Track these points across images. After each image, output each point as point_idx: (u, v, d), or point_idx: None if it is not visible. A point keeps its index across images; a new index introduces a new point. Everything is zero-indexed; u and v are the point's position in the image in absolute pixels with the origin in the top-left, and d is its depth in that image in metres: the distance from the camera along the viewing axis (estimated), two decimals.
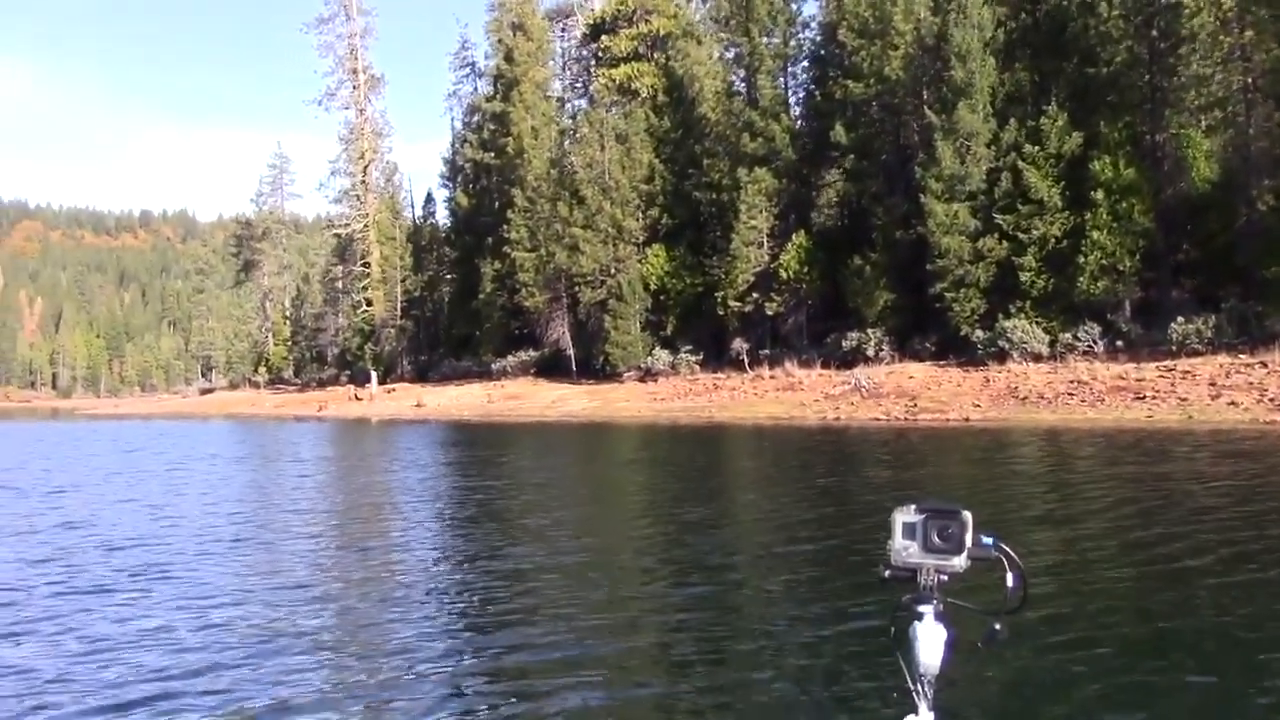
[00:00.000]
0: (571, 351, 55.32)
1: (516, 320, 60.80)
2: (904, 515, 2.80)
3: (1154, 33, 37.84)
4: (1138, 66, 38.47)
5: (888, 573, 2.81)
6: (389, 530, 15.79)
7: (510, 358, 59.43)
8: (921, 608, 2.77)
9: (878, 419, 34.15)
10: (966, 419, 31.97)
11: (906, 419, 33.42)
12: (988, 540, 2.76)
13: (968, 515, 2.73)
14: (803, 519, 14.71)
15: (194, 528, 15.59)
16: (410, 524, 16.31)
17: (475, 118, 76.31)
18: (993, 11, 40.86)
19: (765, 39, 49.78)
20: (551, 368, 57.32)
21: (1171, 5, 36.72)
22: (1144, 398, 30.33)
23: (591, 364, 53.81)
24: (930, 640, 2.75)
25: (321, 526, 16.18)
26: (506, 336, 61.72)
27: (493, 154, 67.02)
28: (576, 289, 53.92)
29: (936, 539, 2.76)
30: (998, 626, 2.77)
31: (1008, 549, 2.75)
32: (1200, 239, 37.97)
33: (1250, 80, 35.15)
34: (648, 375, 50.36)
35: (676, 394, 46.00)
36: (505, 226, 58.06)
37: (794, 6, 50.64)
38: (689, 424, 38.95)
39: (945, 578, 2.77)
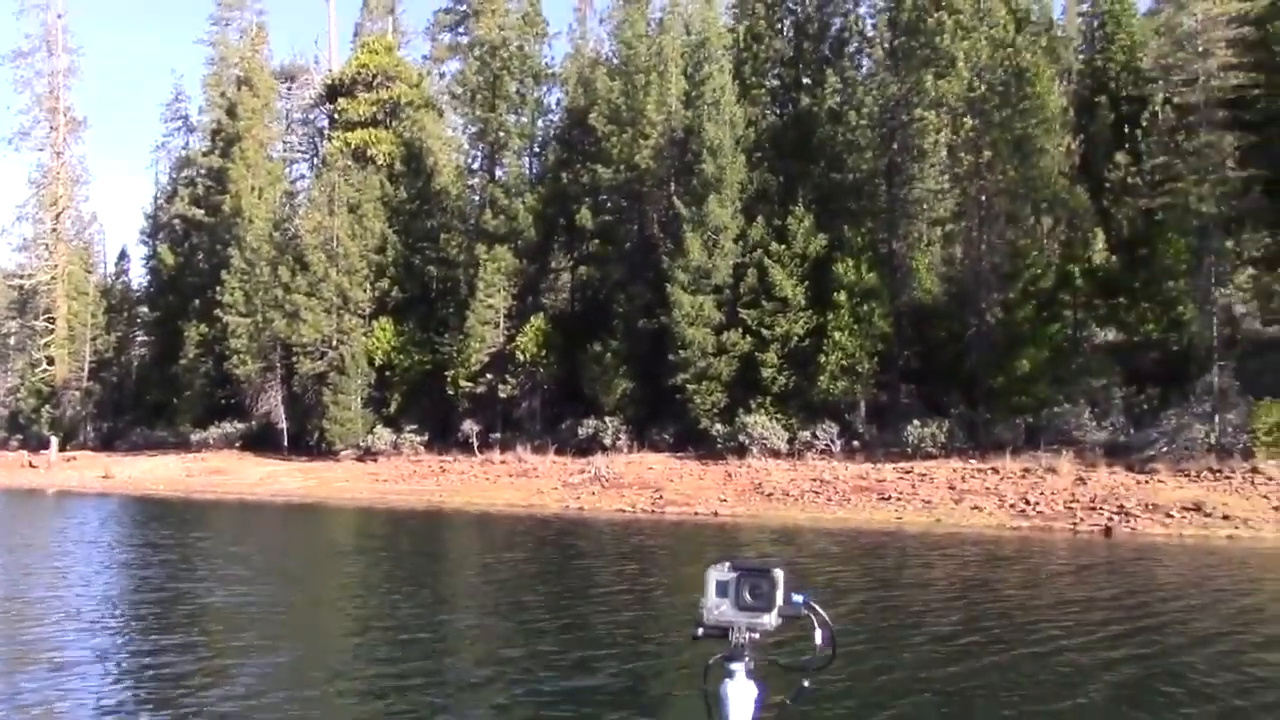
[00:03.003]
0: (284, 425, 51.53)
1: (223, 389, 56.29)
2: (717, 573, 2.84)
3: (894, 145, 39.15)
4: (878, 176, 39.68)
5: (701, 631, 2.85)
6: (42, 636, 13.31)
7: (213, 429, 54.78)
8: (733, 665, 2.79)
9: (622, 510, 32.94)
10: (715, 513, 31.20)
11: (653, 511, 32.35)
12: (798, 598, 2.83)
13: (779, 573, 2.80)
14: (564, 628, 13.14)
15: None
16: (76, 626, 13.98)
17: (187, 172, 71.66)
18: (745, 110, 41.36)
19: (513, 116, 48.74)
20: (260, 442, 53.19)
21: (914, 120, 38.10)
22: (889, 499, 30.45)
23: (305, 440, 50.29)
24: (741, 698, 2.78)
25: None
26: (209, 406, 56.95)
27: (207, 211, 62.66)
28: (294, 359, 50.45)
29: (748, 597, 2.80)
30: (806, 684, 2.85)
31: (817, 607, 2.82)
32: (930, 346, 39.16)
33: (984, 198, 36.73)
34: (367, 454, 47.41)
35: (400, 476, 43.35)
36: (218, 288, 53.89)
37: (543, 87, 50.07)
38: (416, 509, 36.56)
39: (757, 635, 2.81)
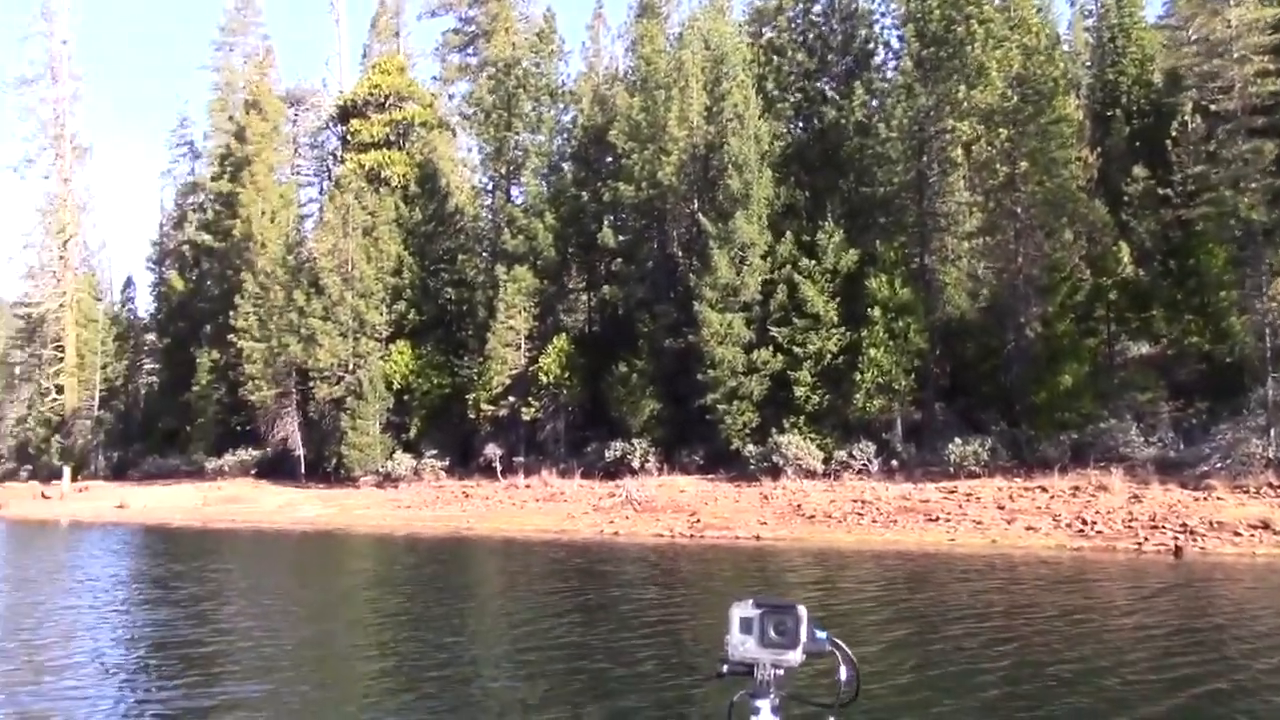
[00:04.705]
0: (301, 452, 50.60)
1: (237, 416, 55.39)
2: (741, 610, 2.90)
3: (924, 158, 38.41)
4: (910, 189, 38.90)
5: (725, 668, 2.90)
6: (54, 679, 12.64)
7: (228, 456, 53.87)
8: (758, 702, 2.83)
9: (660, 535, 31.93)
10: (757, 537, 30.24)
11: (692, 535, 31.39)
12: (822, 634, 2.88)
13: (803, 610, 2.85)
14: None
15: None
16: (89, 669, 13.34)
17: (195, 198, 71.28)
18: (769, 124, 40.66)
19: (530, 135, 48.06)
20: (276, 469, 52.29)
21: (944, 131, 37.38)
22: (936, 520, 29.50)
23: (322, 467, 49.36)
24: None
25: None
26: (223, 433, 56.11)
27: (217, 236, 61.95)
28: (310, 384, 49.56)
29: (773, 633, 2.85)
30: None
31: (841, 643, 2.90)
32: (963, 362, 38.35)
33: (1020, 210, 35.94)
34: (387, 480, 46.43)
35: (424, 502, 42.37)
36: (233, 313, 53.08)
37: (560, 105, 49.32)
38: (443, 536, 35.61)
39: (781, 672, 2.85)
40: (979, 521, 28.78)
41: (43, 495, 57.59)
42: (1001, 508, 29.68)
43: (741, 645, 2.87)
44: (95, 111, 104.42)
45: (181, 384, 59.62)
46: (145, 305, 74.30)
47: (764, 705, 2.82)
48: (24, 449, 72.57)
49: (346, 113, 58.73)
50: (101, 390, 68.23)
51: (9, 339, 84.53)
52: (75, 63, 76.49)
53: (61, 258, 71.79)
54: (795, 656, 2.84)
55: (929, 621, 16.44)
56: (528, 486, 41.67)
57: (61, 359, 69.04)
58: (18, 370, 79.75)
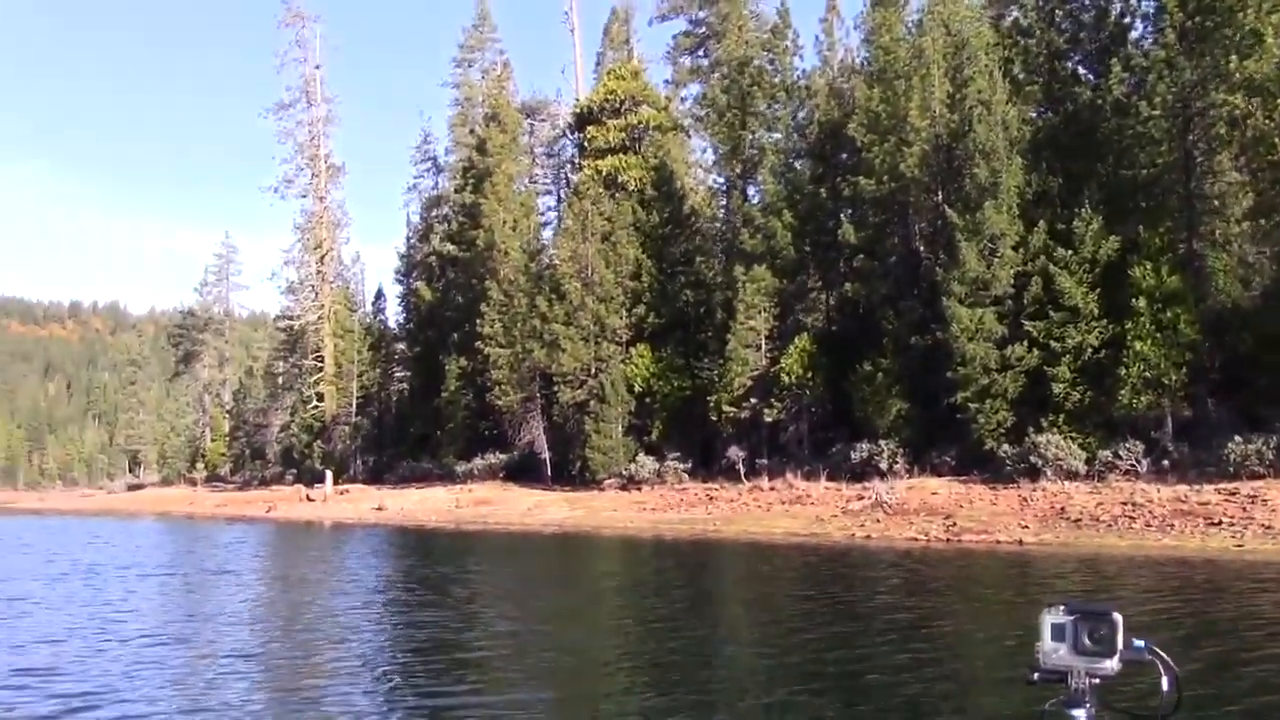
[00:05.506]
0: (547, 455, 51.58)
1: (484, 421, 57.03)
2: (1053, 616, 2.80)
3: (1190, 136, 35.90)
4: (1174, 170, 36.44)
5: (1036, 675, 2.81)
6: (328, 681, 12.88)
7: (477, 460, 55.47)
8: (1074, 711, 2.75)
9: (915, 539, 30.79)
10: (1019, 541, 28.75)
11: (948, 540, 30.14)
12: (1140, 643, 2.75)
13: (1118, 617, 2.74)
14: None
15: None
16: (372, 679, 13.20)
17: (440, 210, 73.88)
18: (1018, 109, 38.83)
19: (765, 133, 47.54)
20: (522, 472, 53.53)
21: (1215, 105, 34.76)
22: (1219, 524, 27.35)
23: (567, 469, 50.18)
24: None
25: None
26: (471, 438, 57.90)
27: (461, 247, 63.97)
28: (554, 389, 50.46)
29: (1087, 641, 2.75)
30: None
31: (1161, 652, 2.74)
32: (1240, 354, 35.57)
33: None
34: (630, 483, 46.71)
35: (668, 504, 42.39)
36: (479, 321, 54.59)
37: (795, 101, 48.55)
38: (692, 538, 35.45)
39: (1097, 680, 2.75)
40: (1268, 526, 26.50)
41: (307, 498, 60.86)
42: None
43: (1054, 652, 2.79)
44: (347, 131, 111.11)
45: (431, 390, 61.79)
46: (395, 315, 77.53)
47: (1080, 714, 2.76)
48: (289, 454, 76.96)
49: (582, 120, 59.64)
50: (358, 397, 71.45)
51: (273, 351, 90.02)
52: (328, 86, 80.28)
53: (319, 272, 75.78)
54: (1112, 665, 2.75)
55: (1228, 633, 15.01)
56: (772, 489, 41.09)
57: (321, 368, 72.79)
58: (281, 380, 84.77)
